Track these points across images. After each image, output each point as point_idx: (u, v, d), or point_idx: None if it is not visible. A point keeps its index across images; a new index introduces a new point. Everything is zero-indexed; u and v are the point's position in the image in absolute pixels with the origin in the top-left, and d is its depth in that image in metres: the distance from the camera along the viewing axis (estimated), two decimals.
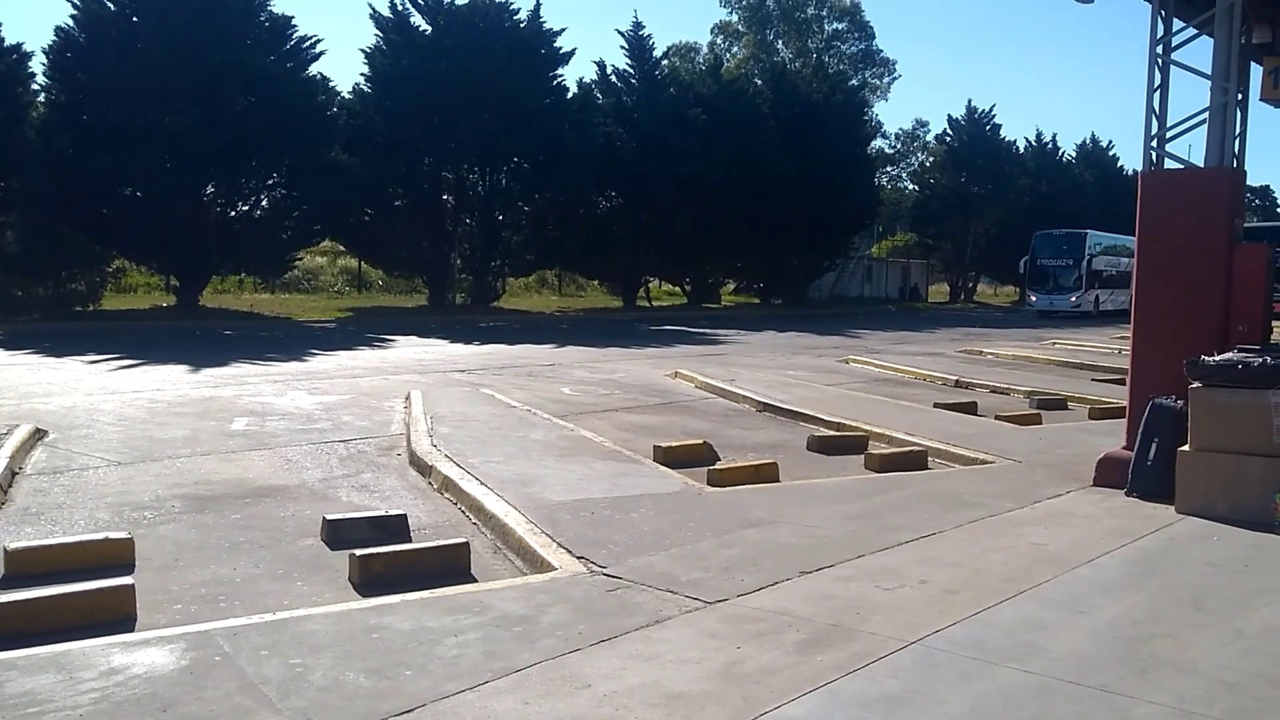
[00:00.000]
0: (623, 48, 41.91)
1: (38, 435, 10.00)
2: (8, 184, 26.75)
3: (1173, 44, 8.63)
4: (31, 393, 13.26)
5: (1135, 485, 7.93)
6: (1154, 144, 8.55)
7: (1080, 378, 17.72)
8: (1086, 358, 20.99)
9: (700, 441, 10.11)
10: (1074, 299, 44.46)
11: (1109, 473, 8.26)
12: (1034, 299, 46.02)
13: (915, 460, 9.57)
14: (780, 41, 69.87)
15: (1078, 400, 14.40)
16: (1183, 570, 6.10)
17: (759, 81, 49.65)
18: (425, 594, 5.39)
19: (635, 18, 44.17)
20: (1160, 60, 8.53)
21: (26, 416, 10.97)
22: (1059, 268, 45.24)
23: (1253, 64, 9.61)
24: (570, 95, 38.35)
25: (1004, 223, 55.13)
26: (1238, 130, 8.72)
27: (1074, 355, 21.74)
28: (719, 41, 69.51)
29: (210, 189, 30.90)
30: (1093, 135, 71.41)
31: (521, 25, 36.06)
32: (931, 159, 63.46)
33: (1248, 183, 9.48)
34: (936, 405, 13.30)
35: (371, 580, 5.86)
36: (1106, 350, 22.70)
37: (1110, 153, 63.64)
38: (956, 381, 16.65)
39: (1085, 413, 13.25)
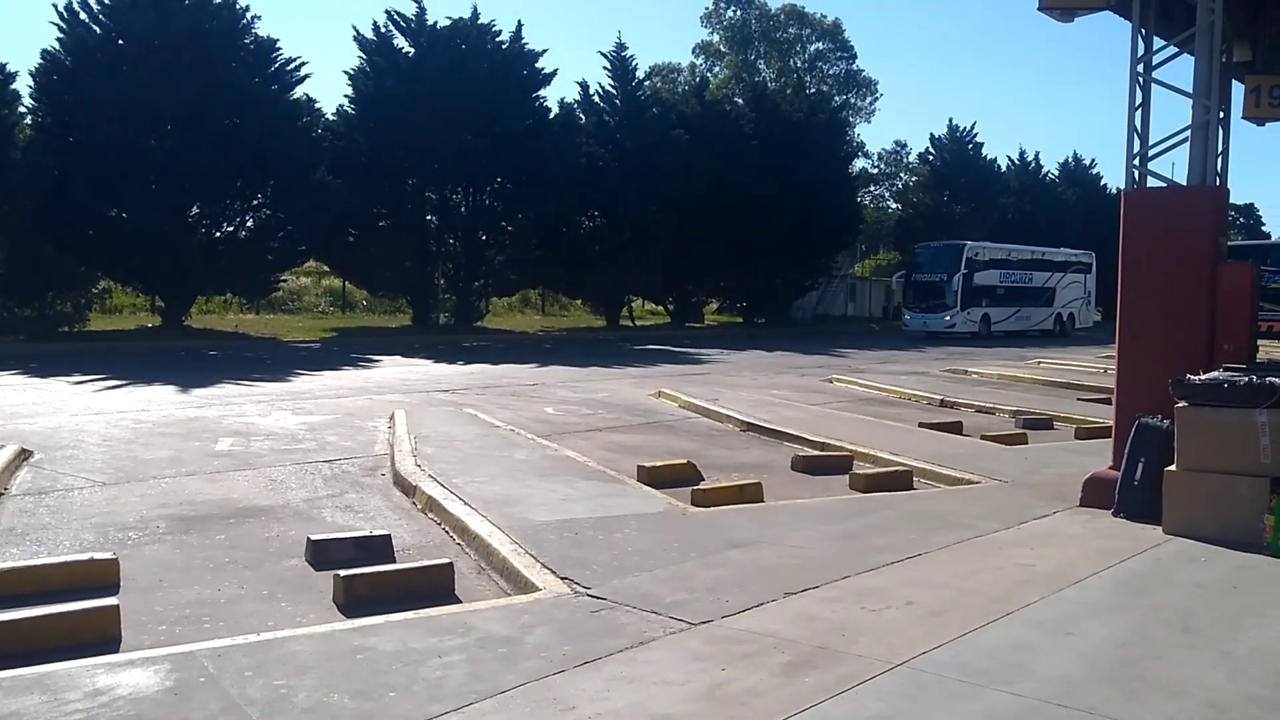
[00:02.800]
0: (605, 68, 42.12)
1: (23, 456, 9.97)
2: None
3: (1154, 62, 8.68)
4: (17, 413, 13.23)
5: (1122, 506, 7.92)
6: (1136, 163, 8.59)
7: (1066, 397, 17.77)
8: (1072, 377, 21.04)
9: (684, 461, 10.08)
10: (948, 318, 39.90)
11: (1095, 493, 8.25)
12: (908, 318, 41.94)
13: (900, 480, 9.56)
14: (762, 62, 70.25)
15: (1064, 420, 14.42)
16: (1170, 591, 6.09)
17: (741, 102, 49.92)
18: (410, 615, 5.35)
19: (618, 39, 44.44)
20: (1141, 79, 8.58)
21: (12, 437, 10.92)
22: (934, 283, 40.86)
23: (1234, 82, 9.70)
24: (553, 116, 38.53)
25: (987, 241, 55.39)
26: (1220, 148, 8.78)
27: (1060, 375, 21.81)
28: (701, 62, 69.93)
29: (195, 210, 30.97)
30: (1075, 154, 72.22)
31: (504, 47, 36.24)
32: (914, 178, 63.76)
33: (1232, 201, 9.57)
34: (921, 425, 13.31)
35: (356, 601, 5.83)
36: (1093, 370, 22.78)
37: (1093, 171, 64.19)
38: (941, 401, 16.68)
39: (1071, 432, 13.27)
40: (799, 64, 70.48)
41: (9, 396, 15.30)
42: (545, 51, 37.18)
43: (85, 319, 31.08)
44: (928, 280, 40.89)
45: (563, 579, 6.03)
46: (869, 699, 4.36)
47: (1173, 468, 7.41)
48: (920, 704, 4.33)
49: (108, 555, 6.41)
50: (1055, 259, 45.69)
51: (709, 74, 64.49)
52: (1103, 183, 62.85)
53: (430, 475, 9.04)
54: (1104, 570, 6.43)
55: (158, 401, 14.86)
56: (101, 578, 6.11)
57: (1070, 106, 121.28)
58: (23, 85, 28.51)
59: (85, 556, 6.40)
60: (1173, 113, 8.83)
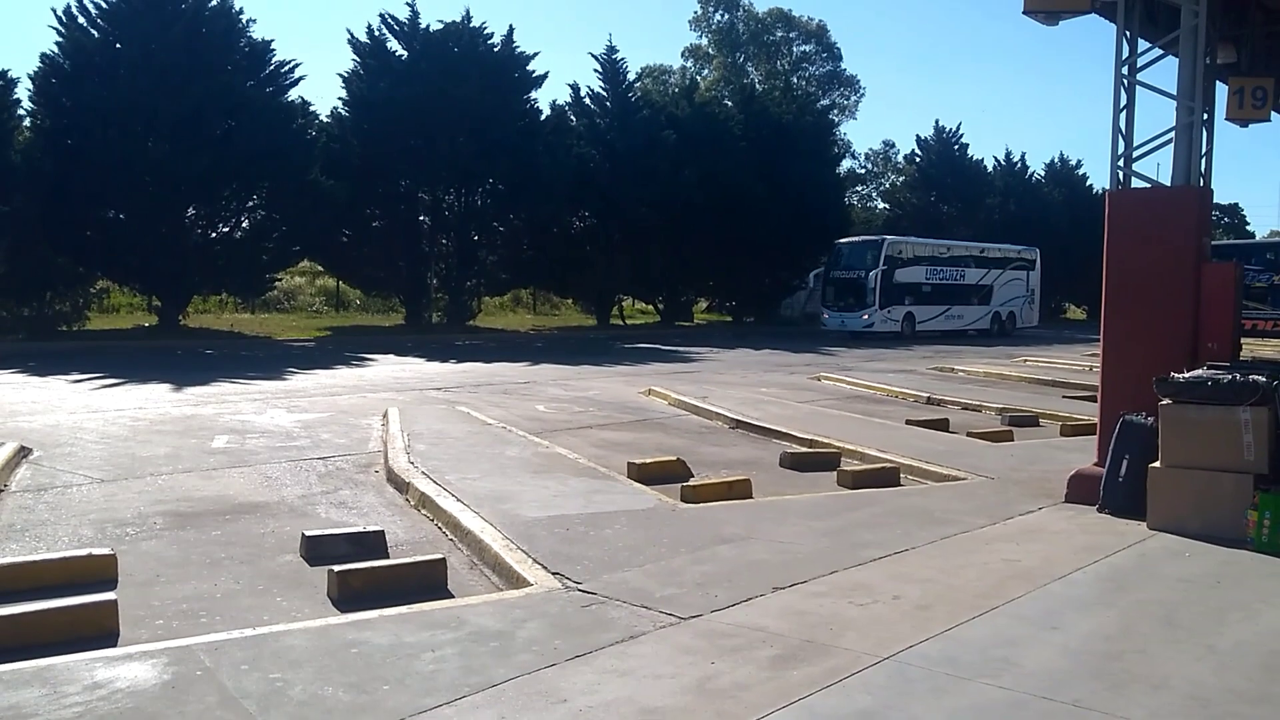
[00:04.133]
0: (596, 70, 42.18)
1: (22, 453, 10.07)
2: None
3: (1138, 65, 8.76)
4: (16, 411, 13.32)
5: (1107, 502, 8.01)
6: (1121, 163, 8.67)
7: (1052, 395, 17.88)
8: (1058, 375, 21.17)
9: (674, 458, 10.14)
10: (866, 316, 37.42)
11: (1081, 489, 8.33)
12: (826, 316, 39.49)
13: (888, 477, 9.63)
14: (750, 64, 70.37)
15: (1049, 417, 14.50)
16: (1155, 586, 6.16)
17: (729, 103, 49.98)
18: (403, 609, 5.40)
19: (609, 41, 44.49)
20: (1126, 81, 8.66)
21: (11, 435, 11.02)
22: (852, 281, 38.32)
23: (1218, 84, 9.78)
24: (544, 117, 38.61)
25: (974, 241, 55.57)
26: (1204, 149, 8.85)
27: (1046, 372, 21.92)
28: (690, 65, 70.02)
29: (192, 211, 31.12)
30: (1061, 154, 72.30)
31: (495, 50, 36.34)
32: (901, 178, 63.90)
33: (1217, 201, 9.64)
34: (909, 422, 13.39)
35: (350, 596, 5.88)
36: (1078, 368, 22.91)
37: (1079, 171, 64.26)
38: (928, 398, 16.76)
39: (1057, 429, 13.35)
40: (785, 66, 70.61)
41: (8, 395, 15.38)
42: (537, 54, 37.42)
43: (84, 318, 31.28)
44: (845, 277, 38.64)
45: (554, 574, 6.08)
46: (856, 692, 4.42)
47: (1157, 464, 7.49)
48: (907, 697, 4.38)
49: (106, 551, 6.48)
50: (992, 255, 43.58)
51: (698, 76, 64.51)
52: (1088, 183, 62.98)
53: (423, 472, 9.10)
54: (1089, 565, 6.51)
55: (155, 399, 14.93)
56: (99, 573, 6.18)
57: (1056, 108, 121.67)
58: (22, 91, 28.81)
59: (83, 552, 6.47)
60: (1157, 114, 8.92)
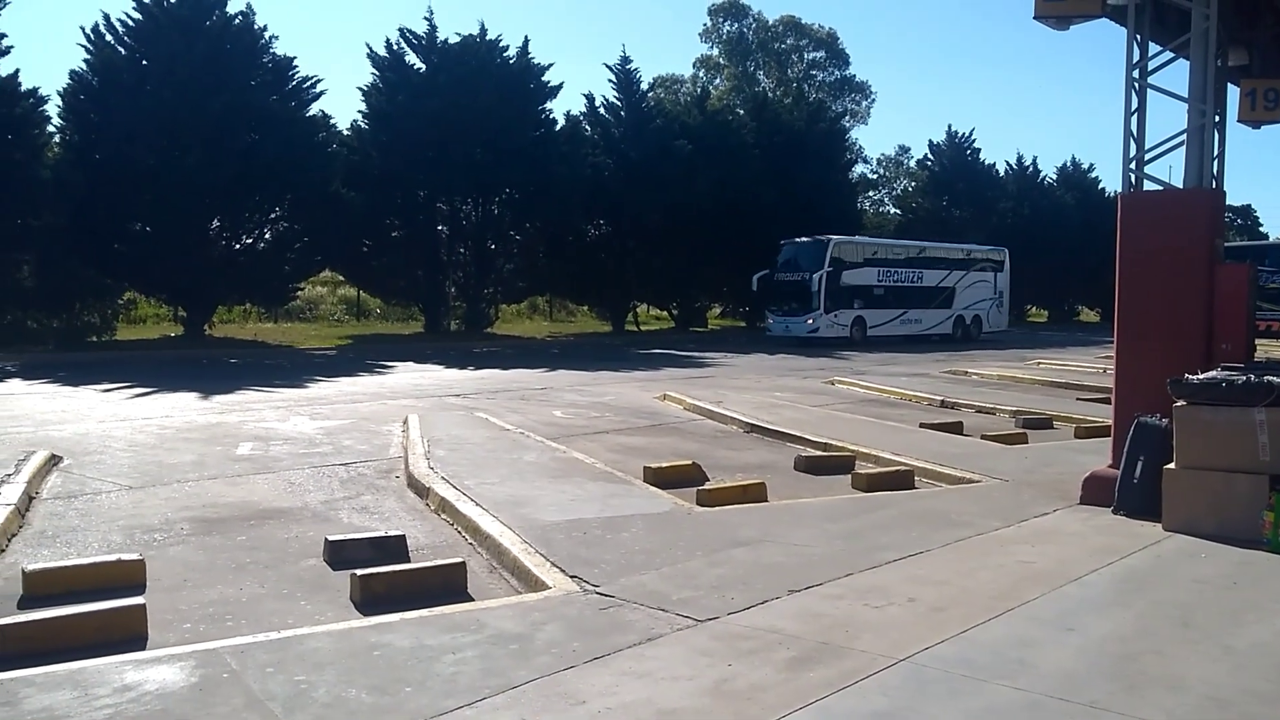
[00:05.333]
0: (611, 81, 42.48)
1: (53, 461, 10.26)
2: (24, 221, 27.48)
3: (1149, 68, 8.79)
4: (47, 420, 13.52)
5: (1122, 503, 8.01)
6: (1133, 166, 8.68)
7: (1065, 397, 17.83)
8: (1072, 377, 21.10)
9: (689, 462, 10.20)
10: (810, 321, 35.30)
11: (1095, 491, 8.34)
12: (771, 321, 37.47)
13: (902, 480, 9.66)
14: (761, 72, 70.46)
15: (1063, 419, 14.50)
16: (1171, 587, 6.17)
17: (741, 112, 50.07)
18: (424, 612, 5.48)
19: (623, 52, 44.59)
20: (1137, 84, 8.68)
21: (42, 443, 11.22)
22: (796, 283, 35.97)
23: (1230, 85, 9.79)
24: (559, 127, 38.86)
25: (987, 245, 55.46)
26: (1216, 151, 8.87)
27: (1059, 375, 21.87)
28: (701, 74, 70.12)
29: (216, 223, 31.56)
30: (1073, 158, 72.23)
31: (511, 61, 36.68)
32: (913, 183, 63.84)
33: (1230, 202, 9.63)
34: (923, 425, 13.40)
35: (372, 599, 5.96)
36: (1092, 370, 22.85)
37: (1091, 175, 64.08)
38: (942, 402, 16.77)
39: (1071, 432, 13.35)
40: (796, 73, 70.66)
41: (39, 404, 15.59)
42: (551, 65, 37.70)
43: (112, 329, 31.77)
44: (790, 280, 36.26)
45: (572, 577, 6.14)
46: (872, 693, 4.45)
47: (1172, 466, 7.49)
48: (923, 698, 4.41)
49: (134, 556, 6.59)
50: (954, 256, 41.40)
51: (710, 86, 64.59)
52: (1100, 186, 62.79)
53: (443, 477, 9.19)
54: (1104, 567, 6.52)
55: (181, 408, 15.12)
56: (128, 578, 6.29)
57: (1068, 111, 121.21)
58: (51, 107, 29.21)
59: (113, 557, 6.58)
60: (1169, 116, 8.95)
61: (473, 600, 6.00)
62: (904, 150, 74.43)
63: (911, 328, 38.37)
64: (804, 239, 36.93)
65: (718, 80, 68.45)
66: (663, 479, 9.54)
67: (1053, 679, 4.60)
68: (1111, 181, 68.88)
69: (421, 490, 9.04)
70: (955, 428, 13.37)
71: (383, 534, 7.28)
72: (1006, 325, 43.57)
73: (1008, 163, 61.46)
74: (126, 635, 5.26)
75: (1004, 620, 5.43)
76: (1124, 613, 5.72)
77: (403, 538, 7.16)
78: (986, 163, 59.30)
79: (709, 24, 71.18)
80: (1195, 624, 5.44)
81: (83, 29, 29.69)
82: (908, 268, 38.80)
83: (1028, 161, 61.49)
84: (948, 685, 4.55)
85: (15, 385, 18.82)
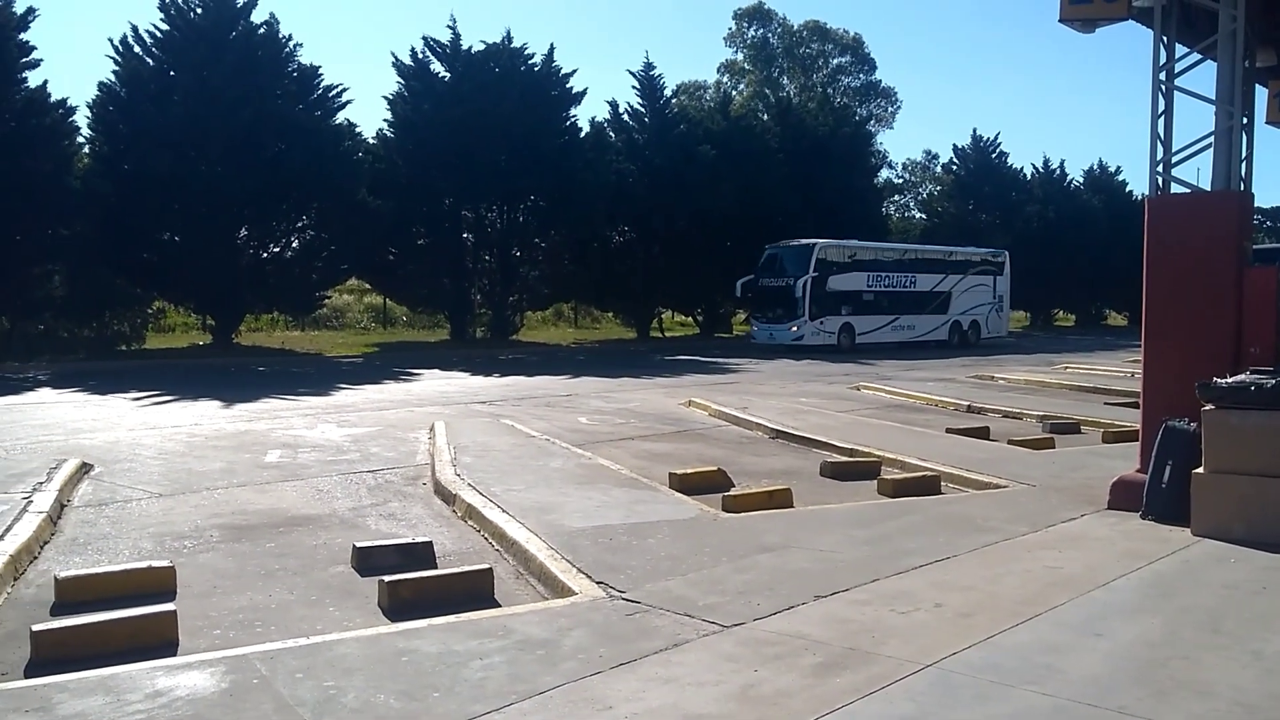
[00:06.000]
0: (634, 87, 42.55)
1: (84, 469, 10.39)
2: (55, 231, 27.79)
3: (1176, 70, 8.74)
4: (78, 429, 13.67)
5: (1150, 508, 7.97)
6: (1160, 169, 8.63)
7: (1093, 402, 17.71)
8: (1100, 382, 20.95)
9: (715, 468, 10.22)
10: (795, 328, 34.02)
11: (1123, 496, 8.29)
12: (755, 329, 36.37)
13: (928, 485, 9.64)
14: (785, 77, 70.34)
15: (1091, 424, 14.40)
16: (1199, 592, 6.13)
17: (765, 117, 50.04)
18: (451, 618, 5.52)
19: (646, 58, 44.84)
20: (1164, 87, 8.62)
21: (74, 451, 11.36)
22: (780, 289, 34.73)
23: (1258, 87, 9.72)
24: (583, 134, 38.94)
25: (1013, 249, 54.94)
26: (1244, 153, 8.82)
27: (1087, 379, 21.71)
28: (725, 80, 70.06)
29: (244, 232, 31.76)
30: (1100, 161, 71.32)
31: (535, 69, 36.82)
32: (939, 188, 63.59)
33: (1260, 205, 9.57)
34: (949, 430, 13.37)
35: (400, 605, 6.02)
36: (1120, 374, 22.68)
37: (1119, 178, 63.55)
38: (968, 407, 16.70)
39: (1098, 436, 13.27)
40: (821, 78, 70.53)
41: (70, 413, 15.77)
42: (575, 72, 37.75)
43: (141, 338, 32.10)
44: (773, 285, 35.03)
45: (598, 583, 6.17)
46: (899, 699, 4.45)
47: (1200, 470, 7.44)
48: (950, 704, 4.41)
49: (165, 563, 6.70)
50: (950, 259, 40.01)
51: (734, 91, 64.55)
52: (1128, 189, 62.22)
53: (469, 484, 9.25)
54: (1132, 572, 6.49)
55: (210, 416, 15.29)
56: (159, 584, 6.38)
57: (1095, 114, 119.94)
58: (81, 118, 29.47)
59: (144, 564, 6.70)
60: (1197, 118, 8.90)
61: (500, 606, 6.04)
62: (930, 155, 74.16)
63: (904, 334, 37.26)
64: (788, 243, 35.87)
65: (741, 85, 68.38)
66: (688, 485, 9.55)
67: (1080, 685, 4.59)
68: (1139, 184, 68.30)
69: (448, 497, 9.10)
70: (982, 433, 13.32)
71: (410, 540, 7.34)
72: (1007, 331, 42.52)
73: (1034, 166, 61.09)
74: (158, 641, 5.33)
75: (1031, 626, 5.42)
76: (1152, 618, 5.68)
77: (430, 544, 7.21)
78: (1013, 166, 58.92)
79: (733, 28, 71.16)
80: (1224, 629, 5.41)
81: (111, 40, 29.99)
82: (899, 272, 37.56)
83: (1054, 165, 61.11)
84: (974, 691, 4.54)
85: (46, 394, 19.05)
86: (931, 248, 41.02)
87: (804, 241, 35.43)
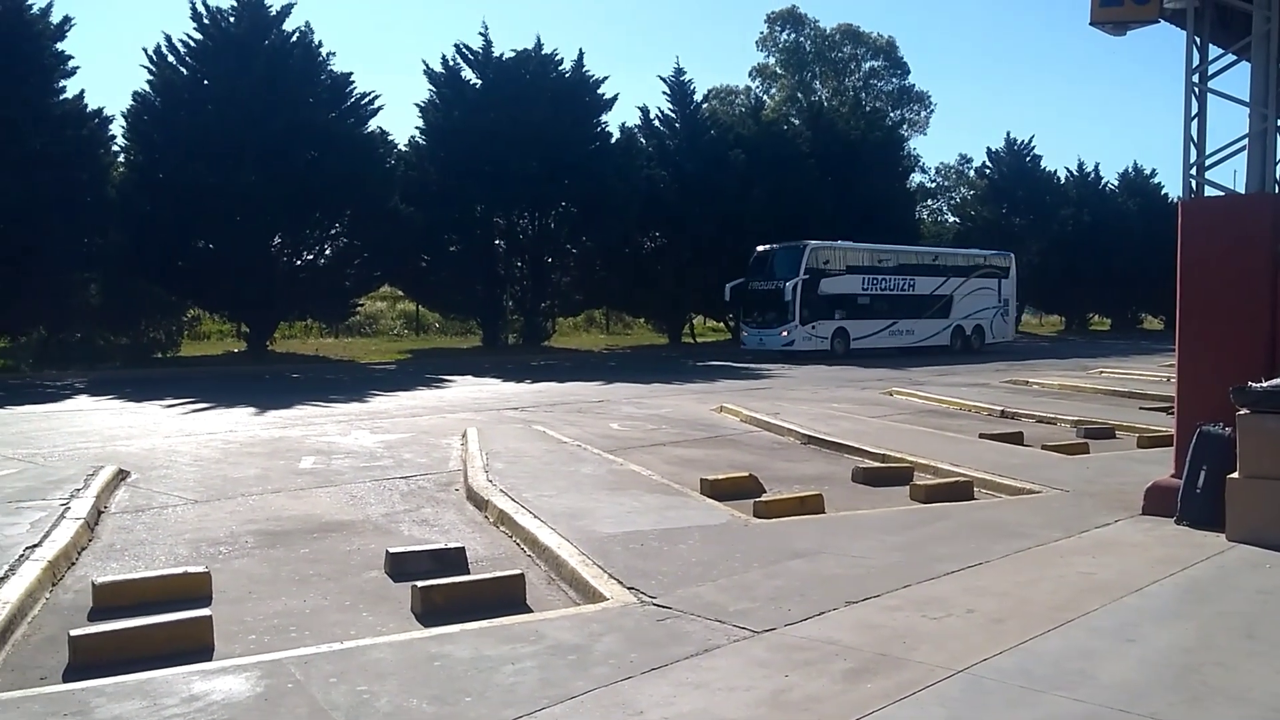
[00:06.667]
0: (665, 93, 42.73)
1: (121, 476, 10.54)
2: (91, 241, 28.29)
3: (1209, 71, 8.67)
4: (115, 436, 13.88)
5: (1185, 513, 7.90)
6: (1193, 172, 8.57)
7: (1128, 406, 17.55)
8: (1135, 386, 20.76)
9: (746, 474, 10.21)
10: (785, 333, 33.07)
11: (1158, 501, 8.22)
12: (746, 334, 35.50)
13: (961, 491, 9.58)
14: (817, 81, 70.13)
15: (1126, 429, 14.27)
16: (1234, 598, 6.08)
17: (797, 121, 50.02)
18: (483, 624, 5.56)
19: (677, 64, 44.89)
20: (1197, 89, 8.56)
21: (110, 458, 11.52)
22: (770, 293, 33.80)
23: None
24: (614, 140, 39.15)
25: (1047, 253, 54.73)
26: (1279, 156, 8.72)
27: (1122, 384, 21.52)
28: (757, 84, 69.99)
29: (277, 240, 32.18)
30: (1135, 163, 70.69)
31: (566, 75, 37.08)
32: (972, 192, 63.23)
33: None
34: (982, 436, 13.28)
35: (432, 610, 6.07)
36: (1155, 379, 22.46)
37: (1154, 180, 62.98)
38: (1002, 412, 16.59)
39: (1133, 441, 13.14)
40: (854, 82, 70.26)
41: (107, 420, 16.01)
42: (606, 78, 38.03)
43: (177, 345, 32.54)
44: (763, 289, 34.08)
45: (629, 589, 6.19)
46: (930, 704, 4.44)
47: (1235, 475, 7.37)
48: (981, 709, 4.40)
49: (200, 569, 6.78)
50: (951, 262, 39.01)
51: (765, 96, 64.46)
52: (1163, 192, 61.61)
53: (501, 490, 9.30)
54: (1166, 578, 6.44)
55: (244, 423, 15.47)
56: (195, 590, 6.47)
57: (1131, 117, 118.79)
58: (116, 128, 29.99)
59: (179, 570, 6.79)
60: (1232, 121, 8.81)
61: (531, 611, 6.07)
62: (964, 159, 73.73)
63: (902, 339, 36.30)
64: (779, 245, 34.91)
65: (773, 90, 68.25)
66: (719, 491, 9.56)
67: (1113, 690, 4.56)
68: (1175, 187, 67.46)
69: (480, 503, 9.15)
70: (1015, 438, 13.23)
71: (442, 546, 7.40)
72: (1013, 336, 41.51)
73: (1068, 169, 60.68)
74: (194, 646, 5.40)
75: (1063, 631, 5.39)
76: (1186, 624, 5.65)
77: (462, 550, 7.27)
78: (1047, 170, 58.60)
79: (765, 32, 71.00)
80: (1259, 635, 5.35)
81: (145, 50, 30.49)
82: (896, 275, 36.47)
83: (1089, 168, 60.68)
84: (1006, 696, 4.53)
85: (83, 401, 19.33)
86: (931, 250, 40.25)
87: (795, 243, 34.61)
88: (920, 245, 43.88)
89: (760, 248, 35.27)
